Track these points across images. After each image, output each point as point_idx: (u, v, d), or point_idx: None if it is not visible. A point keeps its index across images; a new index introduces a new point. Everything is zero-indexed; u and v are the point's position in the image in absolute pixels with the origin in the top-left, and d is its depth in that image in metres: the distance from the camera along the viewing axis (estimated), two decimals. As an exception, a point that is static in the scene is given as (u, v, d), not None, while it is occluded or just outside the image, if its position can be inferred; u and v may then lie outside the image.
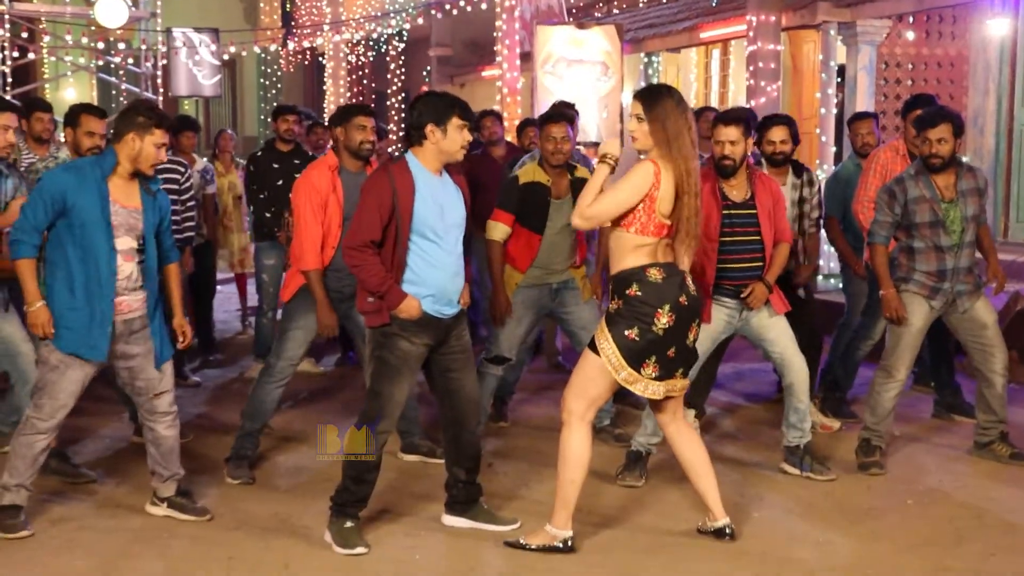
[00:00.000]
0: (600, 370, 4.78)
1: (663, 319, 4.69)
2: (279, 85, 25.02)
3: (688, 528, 5.20)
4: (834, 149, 11.27)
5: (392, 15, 19.84)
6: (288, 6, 23.96)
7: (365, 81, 23.48)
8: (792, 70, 12.53)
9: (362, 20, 20.71)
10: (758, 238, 5.87)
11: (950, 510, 5.56)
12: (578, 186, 6.44)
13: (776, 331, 5.94)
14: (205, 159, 9.30)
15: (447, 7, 17.08)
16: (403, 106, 21.52)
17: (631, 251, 4.75)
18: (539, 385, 8.06)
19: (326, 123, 8.67)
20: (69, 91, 18.54)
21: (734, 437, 6.90)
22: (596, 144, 12.41)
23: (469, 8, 16.61)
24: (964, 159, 6.21)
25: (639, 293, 4.71)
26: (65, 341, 5.02)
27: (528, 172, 6.41)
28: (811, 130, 11.95)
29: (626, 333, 4.71)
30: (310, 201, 5.85)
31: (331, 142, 6.18)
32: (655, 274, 4.72)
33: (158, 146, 5.05)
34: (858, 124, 7.71)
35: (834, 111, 11.32)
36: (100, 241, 4.98)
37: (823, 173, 10.46)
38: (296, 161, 8.14)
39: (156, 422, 5.28)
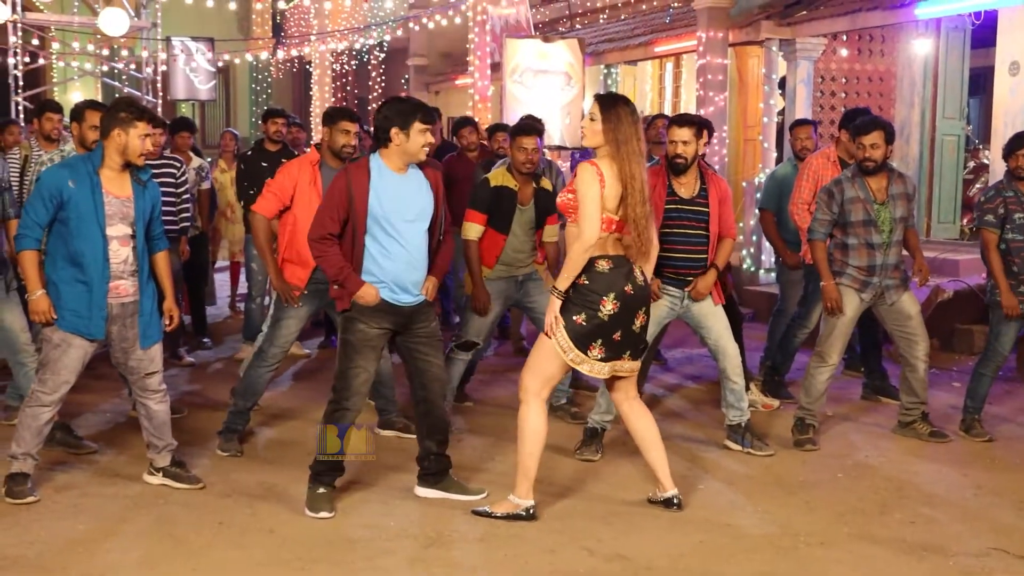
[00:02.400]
0: (552, 352, 4.76)
1: (608, 306, 4.67)
2: (269, 90, 24.81)
3: (640, 498, 5.19)
4: (775, 154, 11.30)
5: (374, 27, 19.74)
6: (278, 18, 23.77)
7: (348, 88, 23.32)
8: (738, 82, 12.54)
9: (346, 31, 20.58)
10: (704, 232, 5.86)
11: (876, 482, 5.58)
12: (541, 195, 6.40)
13: (713, 320, 5.93)
14: (201, 158, 9.18)
15: (424, 20, 17.01)
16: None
17: None
18: (505, 368, 8.03)
19: (317, 125, 8.65)
20: (76, 94, 18.24)
21: (682, 416, 6.90)
22: (560, 148, 12.41)
23: (444, 22, 16.58)
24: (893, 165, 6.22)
25: (587, 282, 4.69)
26: (66, 321, 4.97)
27: (498, 176, 6.35)
28: (755, 137, 11.98)
29: (575, 318, 4.69)
30: (287, 176, 5.93)
31: (319, 139, 6.15)
32: (603, 265, 4.69)
33: (143, 137, 4.99)
34: (798, 129, 7.73)
35: (776, 120, 11.36)
36: (94, 229, 4.92)
37: (764, 176, 10.49)
38: (283, 160, 8.04)
39: (147, 398, 5.23)
